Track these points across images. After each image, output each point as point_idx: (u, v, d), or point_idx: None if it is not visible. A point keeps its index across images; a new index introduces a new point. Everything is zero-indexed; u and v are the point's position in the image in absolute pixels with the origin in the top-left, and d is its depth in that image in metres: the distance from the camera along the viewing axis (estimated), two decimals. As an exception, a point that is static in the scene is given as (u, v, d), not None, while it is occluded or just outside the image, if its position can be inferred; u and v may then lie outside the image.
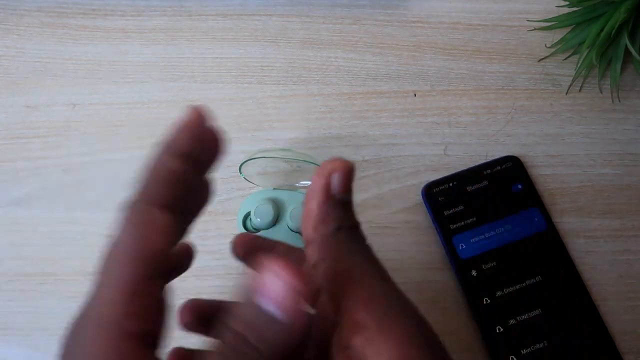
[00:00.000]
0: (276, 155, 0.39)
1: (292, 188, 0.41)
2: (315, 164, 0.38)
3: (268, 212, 0.39)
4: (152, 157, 0.20)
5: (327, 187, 0.20)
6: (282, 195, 0.41)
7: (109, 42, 0.48)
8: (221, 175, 0.42)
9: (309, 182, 0.41)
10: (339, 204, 0.20)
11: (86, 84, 0.46)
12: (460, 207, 0.40)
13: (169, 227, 0.19)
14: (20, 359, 0.38)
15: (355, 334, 0.18)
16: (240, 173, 0.40)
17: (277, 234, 0.39)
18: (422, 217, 0.41)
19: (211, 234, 0.41)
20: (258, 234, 0.40)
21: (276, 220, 0.40)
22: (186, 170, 0.20)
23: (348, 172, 0.20)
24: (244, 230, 0.40)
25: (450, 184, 0.41)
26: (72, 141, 0.44)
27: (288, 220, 0.39)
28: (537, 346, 0.36)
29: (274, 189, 0.41)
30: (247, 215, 0.40)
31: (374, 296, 0.19)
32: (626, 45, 0.41)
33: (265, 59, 0.47)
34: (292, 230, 0.39)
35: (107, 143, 0.44)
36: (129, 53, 0.47)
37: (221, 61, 0.47)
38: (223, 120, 0.45)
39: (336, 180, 0.20)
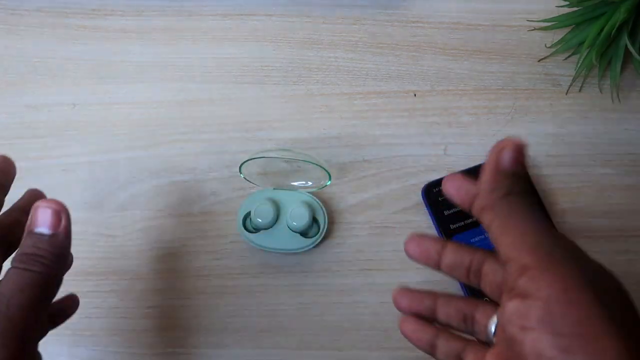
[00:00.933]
0: (276, 155, 0.39)
1: (292, 188, 0.41)
2: (315, 164, 0.38)
3: (268, 212, 0.39)
4: None
5: (497, 161, 0.24)
6: (282, 195, 0.41)
7: (109, 42, 0.48)
8: (221, 175, 0.42)
9: (310, 183, 0.41)
10: (508, 175, 0.24)
11: (86, 84, 0.46)
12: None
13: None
14: (20, 359, 0.38)
15: (521, 275, 0.21)
16: (240, 173, 0.40)
17: (277, 234, 0.39)
18: (422, 217, 0.41)
19: (211, 234, 0.41)
20: (258, 233, 0.40)
21: (276, 220, 0.40)
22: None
23: (517, 149, 0.24)
24: (244, 230, 0.40)
25: (450, 184, 0.41)
26: (72, 141, 0.44)
27: (288, 220, 0.39)
28: (537, 346, 0.36)
29: (274, 189, 0.41)
30: (247, 215, 0.40)
31: (539, 243, 0.22)
32: (626, 45, 0.41)
33: (265, 59, 0.47)
34: (292, 230, 0.39)
35: (107, 143, 0.44)
36: (129, 53, 0.47)
37: (221, 61, 0.47)
38: (223, 120, 0.45)
39: (507, 155, 0.24)
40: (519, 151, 0.24)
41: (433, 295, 0.27)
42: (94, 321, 0.39)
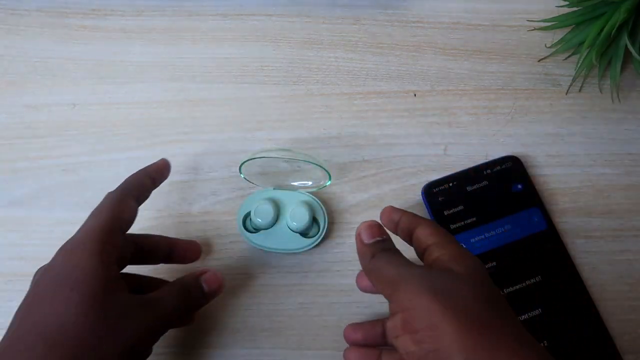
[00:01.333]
0: (276, 155, 0.39)
1: (292, 188, 0.41)
2: (315, 164, 0.38)
3: (268, 212, 0.39)
4: (134, 174, 0.36)
5: (359, 238, 0.32)
6: (282, 195, 0.41)
7: (109, 42, 0.48)
8: (221, 175, 0.42)
9: (310, 183, 0.41)
10: (370, 245, 0.31)
11: (86, 84, 0.46)
12: (460, 207, 0.40)
13: (133, 208, 0.34)
14: (20, 359, 0.38)
15: (390, 302, 0.28)
16: (241, 173, 0.40)
17: (277, 234, 0.39)
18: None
19: (211, 234, 0.41)
20: (258, 233, 0.40)
21: (276, 220, 0.40)
22: (149, 185, 0.36)
23: (366, 227, 0.32)
24: (244, 230, 0.40)
25: (450, 184, 0.41)
26: (72, 141, 0.44)
27: (288, 220, 0.39)
28: (537, 346, 0.36)
29: (274, 188, 0.41)
30: (247, 215, 0.40)
31: (394, 277, 0.28)
32: (626, 45, 0.41)
33: (265, 59, 0.47)
34: (292, 230, 0.39)
35: (107, 143, 0.44)
36: (129, 53, 0.47)
37: (221, 61, 0.47)
38: (223, 120, 0.45)
39: (362, 234, 0.32)
40: (369, 229, 0.32)
41: (381, 321, 0.33)
42: (94, 321, 0.39)
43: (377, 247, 0.31)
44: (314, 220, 0.40)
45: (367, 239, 0.31)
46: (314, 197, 0.40)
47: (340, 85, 0.46)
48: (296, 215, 0.39)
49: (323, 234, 0.39)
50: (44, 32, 0.48)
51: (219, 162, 0.43)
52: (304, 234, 0.40)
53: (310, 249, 0.39)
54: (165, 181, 0.43)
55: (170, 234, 0.40)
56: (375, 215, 0.33)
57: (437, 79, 0.46)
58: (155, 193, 0.42)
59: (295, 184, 0.42)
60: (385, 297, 0.29)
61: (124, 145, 0.44)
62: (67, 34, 0.48)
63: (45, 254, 0.41)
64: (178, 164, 0.43)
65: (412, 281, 0.27)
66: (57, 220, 0.42)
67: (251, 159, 0.38)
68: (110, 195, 0.33)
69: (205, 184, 0.42)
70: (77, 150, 0.44)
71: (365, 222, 0.32)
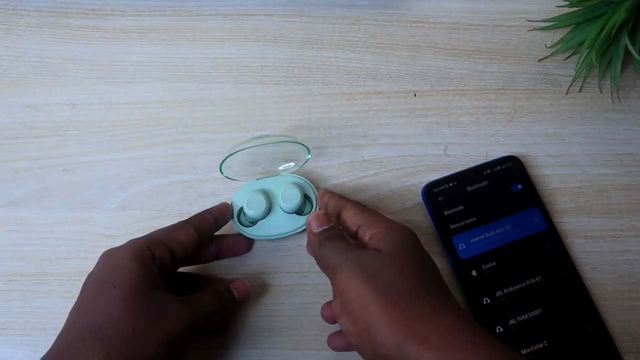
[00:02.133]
0: (253, 144, 0.39)
1: (277, 173, 0.41)
2: (291, 141, 0.38)
3: (260, 202, 0.39)
4: (202, 211, 0.38)
5: (309, 227, 0.34)
6: (269, 184, 0.41)
7: (109, 42, 0.48)
8: (221, 175, 0.42)
9: (292, 164, 0.41)
10: (317, 234, 0.34)
11: (86, 84, 0.46)
12: (460, 207, 0.40)
13: (190, 233, 0.36)
14: (20, 359, 0.38)
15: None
16: (222, 173, 0.39)
17: (274, 221, 0.40)
18: (422, 217, 0.41)
19: (211, 234, 0.41)
20: (255, 226, 0.39)
21: (269, 208, 0.40)
22: (212, 221, 0.38)
23: (314, 217, 0.34)
24: (240, 226, 0.40)
25: (450, 184, 0.41)
26: (72, 141, 0.44)
27: (281, 203, 0.39)
28: (537, 346, 0.36)
29: (257, 179, 0.41)
30: (240, 210, 0.40)
31: (336, 262, 0.31)
32: (626, 45, 0.41)
33: (265, 59, 0.47)
34: (287, 212, 0.40)
35: (107, 143, 0.44)
36: (129, 53, 0.47)
37: (221, 61, 0.47)
38: (223, 120, 0.45)
39: (311, 224, 0.34)
40: (316, 220, 0.34)
41: None
42: (94, 321, 0.39)
43: (323, 235, 0.33)
44: (305, 198, 0.40)
45: (315, 228, 0.34)
46: (299, 176, 0.41)
47: (340, 85, 0.46)
48: (287, 197, 0.39)
49: (318, 208, 0.40)
50: (44, 32, 0.48)
51: (219, 162, 0.43)
52: (299, 212, 0.40)
53: None
54: (165, 181, 0.43)
55: (170, 234, 0.40)
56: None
57: (437, 79, 0.46)
58: (155, 193, 0.42)
59: (279, 168, 0.42)
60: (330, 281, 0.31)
61: (124, 145, 0.44)
62: (67, 34, 0.48)
63: (45, 254, 0.41)
64: (178, 164, 0.43)
65: (346, 266, 0.30)
66: (57, 220, 0.42)
67: (230, 155, 0.38)
68: (179, 223, 0.37)
69: (205, 184, 0.42)
70: (77, 150, 0.44)
71: (314, 211, 0.35)
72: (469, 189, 0.41)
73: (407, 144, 0.43)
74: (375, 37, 0.47)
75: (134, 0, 0.49)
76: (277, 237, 0.39)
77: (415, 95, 0.45)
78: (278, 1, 0.49)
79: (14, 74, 0.47)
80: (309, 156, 0.40)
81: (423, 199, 0.41)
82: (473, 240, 0.39)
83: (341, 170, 0.43)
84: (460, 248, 0.39)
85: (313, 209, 0.40)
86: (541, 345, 0.36)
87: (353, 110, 0.45)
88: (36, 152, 0.44)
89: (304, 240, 0.39)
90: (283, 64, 0.47)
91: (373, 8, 0.49)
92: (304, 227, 0.39)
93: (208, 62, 0.47)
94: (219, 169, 0.38)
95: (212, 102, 0.45)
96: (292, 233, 0.39)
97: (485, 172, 0.41)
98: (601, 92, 0.45)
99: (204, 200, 0.42)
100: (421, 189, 0.41)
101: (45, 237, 0.41)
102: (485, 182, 0.41)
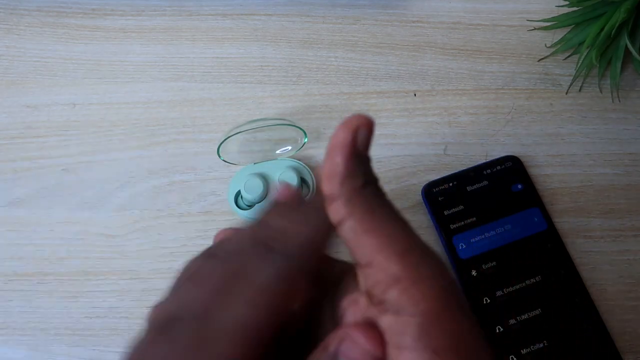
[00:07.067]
0: (250, 127, 0.39)
1: (274, 157, 0.42)
2: (290, 125, 0.38)
3: (258, 186, 0.39)
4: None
5: (354, 142, 0.20)
6: (265, 167, 0.41)
7: (109, 42, 0.48)
8: (221, 175, 0.42)
9: (289, 147, 0.41)
10: (365, 159, 0.20)
11: (86, 84, 0.46)
12: (460, 207, 0.40)
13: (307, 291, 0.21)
14: (20, 359, 0.38)
15: (391, 287, 0.18)
16: (219, 156, 0.39)
17: None
18: (422, 217, 0.41)
19: (211, 234, 0.41)
20: (252, 209, 0.40)
21: (267, 192, 0.40)
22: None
23: (371, 128, 0.20)
24: (237, 210, 0.40)
25: (450, 184, 0.41)
26: (72, 141, 0.44)
27: (278, 187, 0.40)
28: (537, 346, 0.36)
29: (255, 163, 0.41)
30: (238, 194, 0.40)
31: (407, 250, 0.19)
32: (626, 45, 0.41)
33: (265, 58, 0.47)
34: None
35: (107, 143, 0.44)
36: (129, 53, 0.47)
37: (221, 61, 0.47)
38: (223, 120, 0.45)
39: (362, 135, 0.20)
40: (372, 131, 0.21)
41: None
42: (94, 321, 0.39)
43: (371, 169, 0.22)
44: (302, 181, 0.40)
45: (367, 145, 0.21)
46: (296, 160, 0.41)
47: (340, 85, 0.46)
48: (285, 180, 0.39)
49: (315, 192, 0.40)
50: (44, 32, 0.48)
51: (219, 162, 0.43)
52: None
53: None
54: (165, 181, 0.43)
55: (170, 234, 0.40)
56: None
57: (437, 79, 0.46)
58: (155, 193, 0.42)
59: (277, 152, 0.42)
60: (370, 264, 0.19)
61: (124, 145, 0.44)
62: (67, 34, 0.48)
63: (45, 253, 0.41)
64: (178, 164, 0.43)
65: (441, 278, 0.19)
66: (57, 220, 0.42)
67: (228, 138, 0.38)
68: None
69: (205, 184, 0.42)
70: (77, 150, 0.44)
71: (363, 115, 0.21)
72: (469, 188, 0.41)
73: (406, 144, 0.43)
74: (375, 37, 0.47)
75: (134, 0, 0.49)
76: None
77: (415, 95, 0.45)
78: (278, 1, 0.49)
79: (14, 74, 0.47)
80: (306, 139, 0.40)
81: (423, 199, 0.41)
82: (473, 240, 0.39)
83: (341, 170, 0.43)
84: (460, 248, 0.39)
85: (311, 192, 0.40)
86: (541, 345, 0.36)
87: (353, 110, 0.45)
88: (36, 152, 0.44)
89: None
90: (283, 63, 0.47)
91: (373, 8, 0.49)
92: None
93: (208, 62, 0.47)
94: (216, 153, 0.38)
95: (212, 102, 0.45)
96: None
97: (485, 172, 0.41)
98: (601, 92, 0.45)
99: (203, 201, 0.42)
100: (421, 189, 0.41)
101: (45, 237, 0.41)
102: (485, 182, 0.41)
